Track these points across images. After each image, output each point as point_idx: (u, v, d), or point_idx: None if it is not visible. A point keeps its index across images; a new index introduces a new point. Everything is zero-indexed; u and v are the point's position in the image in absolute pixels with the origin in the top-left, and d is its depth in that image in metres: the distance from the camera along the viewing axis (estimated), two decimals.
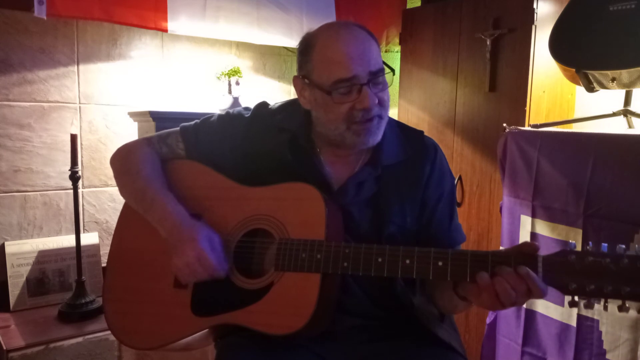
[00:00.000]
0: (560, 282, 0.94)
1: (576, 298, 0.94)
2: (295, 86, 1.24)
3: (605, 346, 1.59)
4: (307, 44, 1.17)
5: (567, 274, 0.93)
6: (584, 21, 1.77)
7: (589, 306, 0.93)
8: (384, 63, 1.17)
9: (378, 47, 1.18)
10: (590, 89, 1.78)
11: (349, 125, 1.15)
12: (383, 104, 1.15)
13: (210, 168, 1.29)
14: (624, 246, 0.92)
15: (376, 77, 1.13)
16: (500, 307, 0.98)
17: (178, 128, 1.36)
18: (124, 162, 1.33)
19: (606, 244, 0.93)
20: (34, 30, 2.30)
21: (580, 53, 1.76)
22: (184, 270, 1.15)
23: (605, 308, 0.92)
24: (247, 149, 1.28)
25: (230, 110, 1.36)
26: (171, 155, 1.34)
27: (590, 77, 1.75)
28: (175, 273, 1.18)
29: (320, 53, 1.14)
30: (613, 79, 1.69)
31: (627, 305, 0.91)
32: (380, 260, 1.06)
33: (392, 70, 1.18)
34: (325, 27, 1.18)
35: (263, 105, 1.34)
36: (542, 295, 0.96)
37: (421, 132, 1.31)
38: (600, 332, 1.60)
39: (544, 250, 1.67)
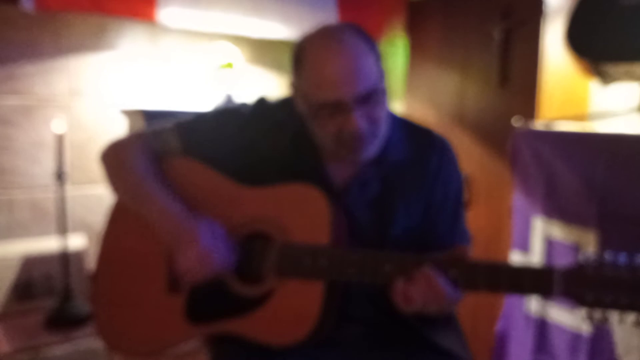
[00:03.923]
0: (576, 294, 0.94)
1: (591, 311, 0.95)
2: (290, 91, 1.20)
3: (618, 351, 1.56)
4: (298, 55, 1.12)
5: (583, 285, 0.93)
6: (600, 12, 1.74)
7: (604, 319, 0.94)
8: (381, 74, 1.11)
9: (374, 60, 1.10)
10: (605, 82, 1.77)
11: (337, 142, 1.11)
12: (375, 122, 1.11)
13: (207, 167, 1.25)
14: None
15: (366, 98, 1.07)
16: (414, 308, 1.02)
17: (173, 124, 1.31)
18: (116, 157, 1.30)
19: (624, 254, 0.93)
20: (21, 24, 2.26)
21: (596, 43, 1.73)
22: (191, 270, 1.11)
23: (621, 321, 0.93)
24: (245, 146, 1.25)
25: (228, 106, 1.33)
26: (165, 152, 1.29)
27: (606, 70, 1.73)
28: (180, 274, 1.13)
29: (308, 70, 1.09)
30: (628, 72, 1.69)
31: None
32: (388, 268, 1.04)
33: (385, 90, 1.12)
34: (316, 39, 1.11)
35: (262, 101, 1.30)
36: (451, 300, 1.01)
37: (429, 130, 1.27)
38: (614, 338, 1.58)
39: (556, 254, 1.72)
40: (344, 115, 1.07)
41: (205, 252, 1.09)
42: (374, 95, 1.08)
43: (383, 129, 1.14)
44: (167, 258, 1.17)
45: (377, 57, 1.11)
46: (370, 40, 1.11)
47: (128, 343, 1.20)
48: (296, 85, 1.15)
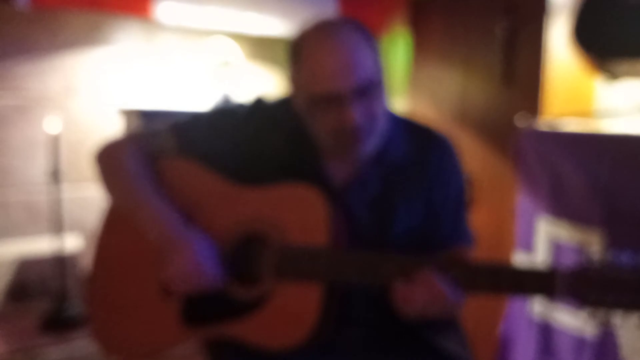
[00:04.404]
0: (579, 294, 0.94)
1: (594, 312, 0.94)
2: (288, 86, 1.19)
3: (623, 354, 1.53)
4: (295, 49, 1.11)
5: (586, 286, 0.93)
6: (607, 8, 1.73)
7: (607, 320, 0.93)
8: (379, 68, 1.09)
9: (372, 54, 1.09)
10: (610, 78, 1.76)
11: (335, 137, 1.10)
12: (373, 117, 1.09)
13: (204, 167, 1.23)
14: None
15: (362, 91, 1.06)
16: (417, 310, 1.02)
17: (169, 125, 1.29)
18: (111, 159, 1.28)
19: (627, 254, 0.94)
20: (15, 22, 2.26)
21: (603, 39, 1.72)
22: (175, 282, 1.11)
23: (625, 322, 0.94)
24: (243, 146, 1.23)
25: (226, 106, 1.33)
26: (161, 154, 1.28)
27: (612, 66, 1.72)
28: (166, 283, 1.13)
29: (305, 63, 1.08)
30: (633, 69, 1.68)
31: None
32: (388, 269, 1.03)
33: (383, 86, 1.11)
34: (313, 32, 1.10)
35: (259, 101, 1.29)
36: (453, 302, 1.00)
37: (429, 129, 1.25)
38: (618, 341, 1.54)
39: (560, 254, 1.69)
40: (341, 108, 1.05)
41: (194, 265, 1.08)
42: (371, 89, 1.07)
43: (381, 124, 1.12)
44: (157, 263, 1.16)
45: (375, 51, 1.10)
46: (368, 35, 1.10)
47: (123, 345, 1.20)
48: (293, 80, 1.14)
